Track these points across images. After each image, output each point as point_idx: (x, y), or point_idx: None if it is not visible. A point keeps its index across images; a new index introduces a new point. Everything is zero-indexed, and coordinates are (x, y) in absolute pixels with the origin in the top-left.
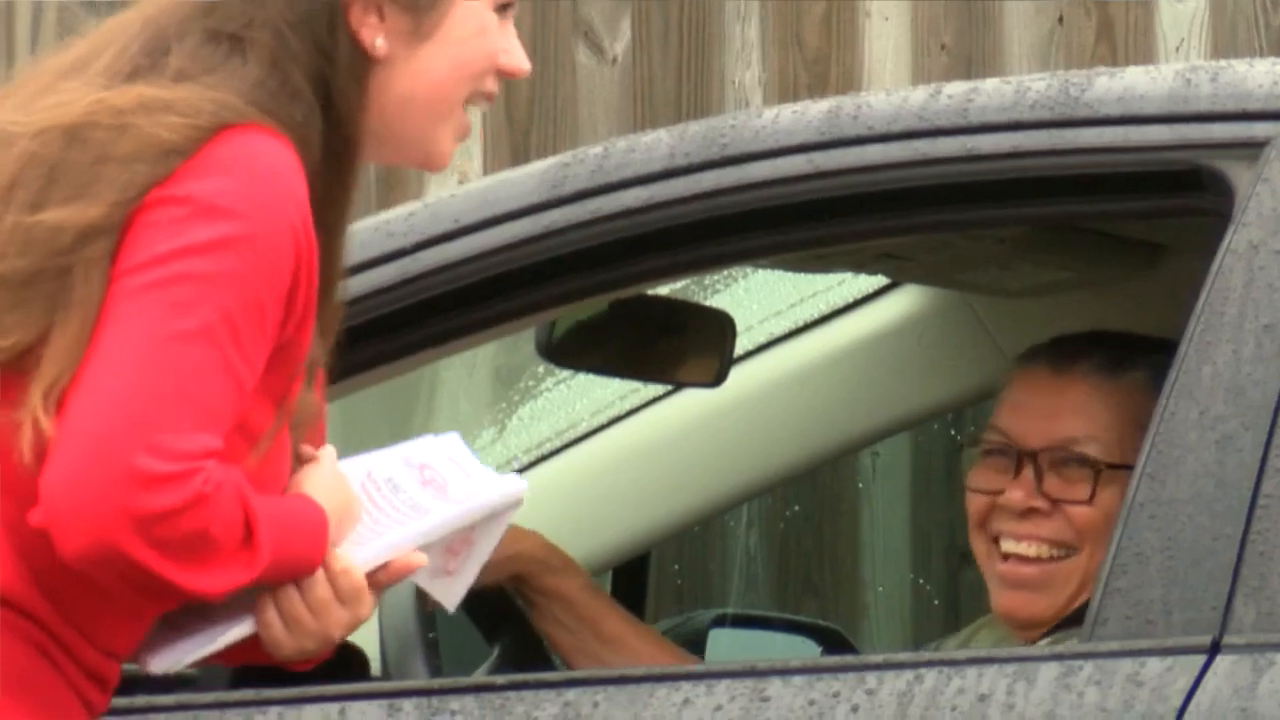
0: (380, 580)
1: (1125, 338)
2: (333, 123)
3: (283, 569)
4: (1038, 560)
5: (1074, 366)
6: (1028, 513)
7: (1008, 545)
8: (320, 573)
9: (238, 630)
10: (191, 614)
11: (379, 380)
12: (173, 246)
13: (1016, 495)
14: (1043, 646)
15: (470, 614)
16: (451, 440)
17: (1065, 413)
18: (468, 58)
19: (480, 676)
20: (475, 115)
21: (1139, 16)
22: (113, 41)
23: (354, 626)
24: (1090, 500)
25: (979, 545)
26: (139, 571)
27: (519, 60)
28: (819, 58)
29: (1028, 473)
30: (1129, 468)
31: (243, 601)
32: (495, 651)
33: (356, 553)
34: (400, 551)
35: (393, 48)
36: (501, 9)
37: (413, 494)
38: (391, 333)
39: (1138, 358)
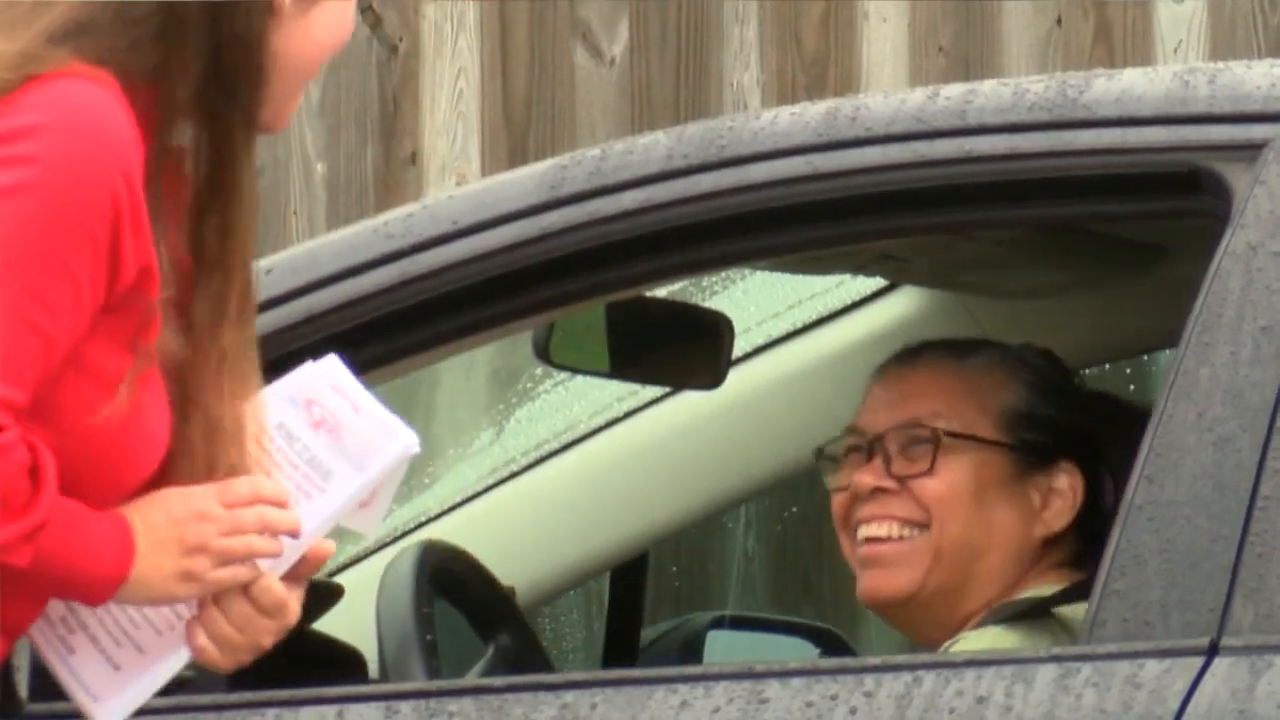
0: (301, 574)
1: (970, 340)
2: (220, 72)
3: (58, 556)
4: (889, 540)
5: (919, 356)
6: (876, 493)
7: (864, 530)
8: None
9: (174, 661)
10: (128, 649)
11: (377, 383)
12: None
13: (866, 479)
14: (1042, 649)
15: (469, 618)
16: (331, 364)
17: (911, 396)
18: (343, 23)
19: (478, 679)
20: (474, 117)
21: (1137, 18)
22: None
23: (285, 630)
24: (931, 469)
25: (844, 542)
26: None
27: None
28: (817, 59)
29: (877, 459)
30: (972, 438)
31: (174, 632)
32: (490, 651)
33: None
34: (314, 539)
35: (294, 3)
36: None
37: (308, 442)
38: (389, 335)
39: (981, 346)
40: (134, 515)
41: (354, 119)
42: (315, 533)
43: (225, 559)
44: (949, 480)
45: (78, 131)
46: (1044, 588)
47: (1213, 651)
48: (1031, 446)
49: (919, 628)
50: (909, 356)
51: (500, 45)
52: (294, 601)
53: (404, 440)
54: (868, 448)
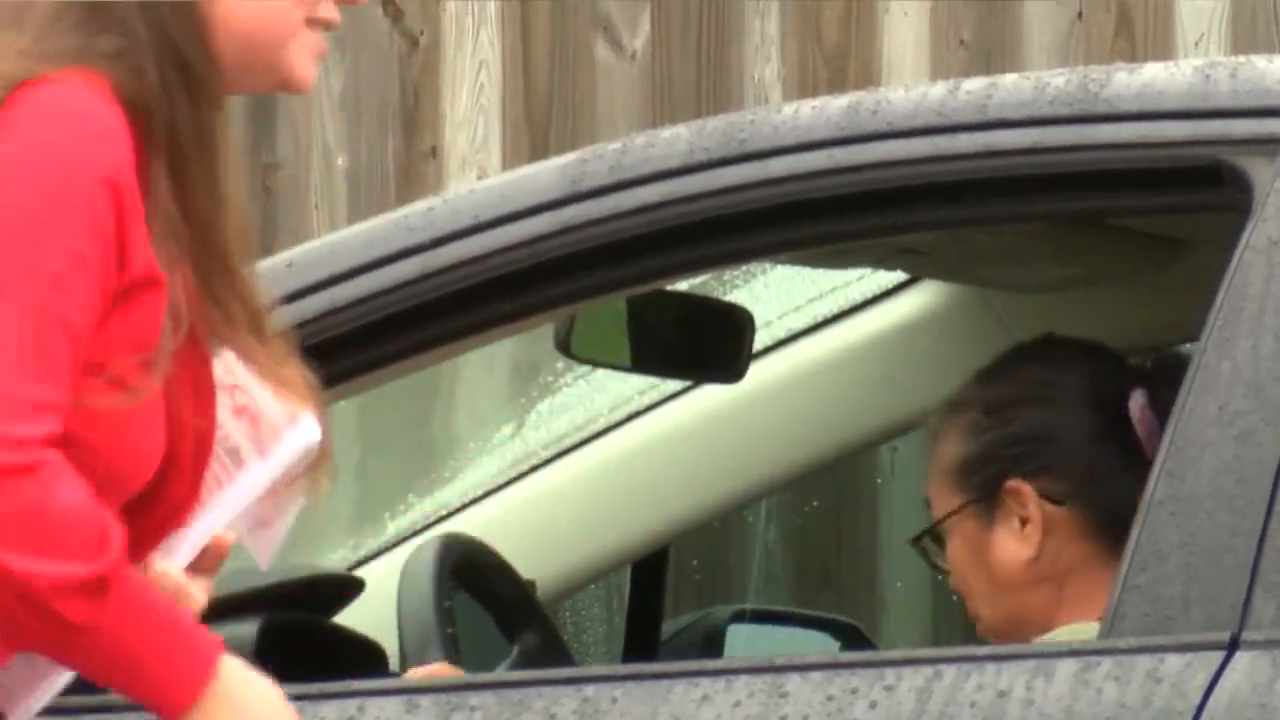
0: (204, 567)
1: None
2: (167, 55)
3: (125, 639)
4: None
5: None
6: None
7: None
8: None
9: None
10: (19, 664)
11: (398, 375)
12: None
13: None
14: (1060, 643)
15: (490, 611)
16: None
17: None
18: None
19: (499, 673)
20: (495, 111)
21: (1158, 11)
22: None
23: None
24: (944, 566)
25: None
26: None
27: None
28: (838, 53)
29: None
30: (945, 518)
31: None
32: (515, 650)
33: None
34: (218, 530)
35: None
36: None
37: (230, 429)
38: (410, 328)
39: (957, 395)
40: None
41: (375, 112)
42: (220, 523)
43: None
44: (955, 565)
45: (69, 120)
46: (1083, 616)
47: (1234, 646)
48: (984, 485)
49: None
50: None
51: (521, 39)
52: (197, 592)
53: (307, 429)
54: None
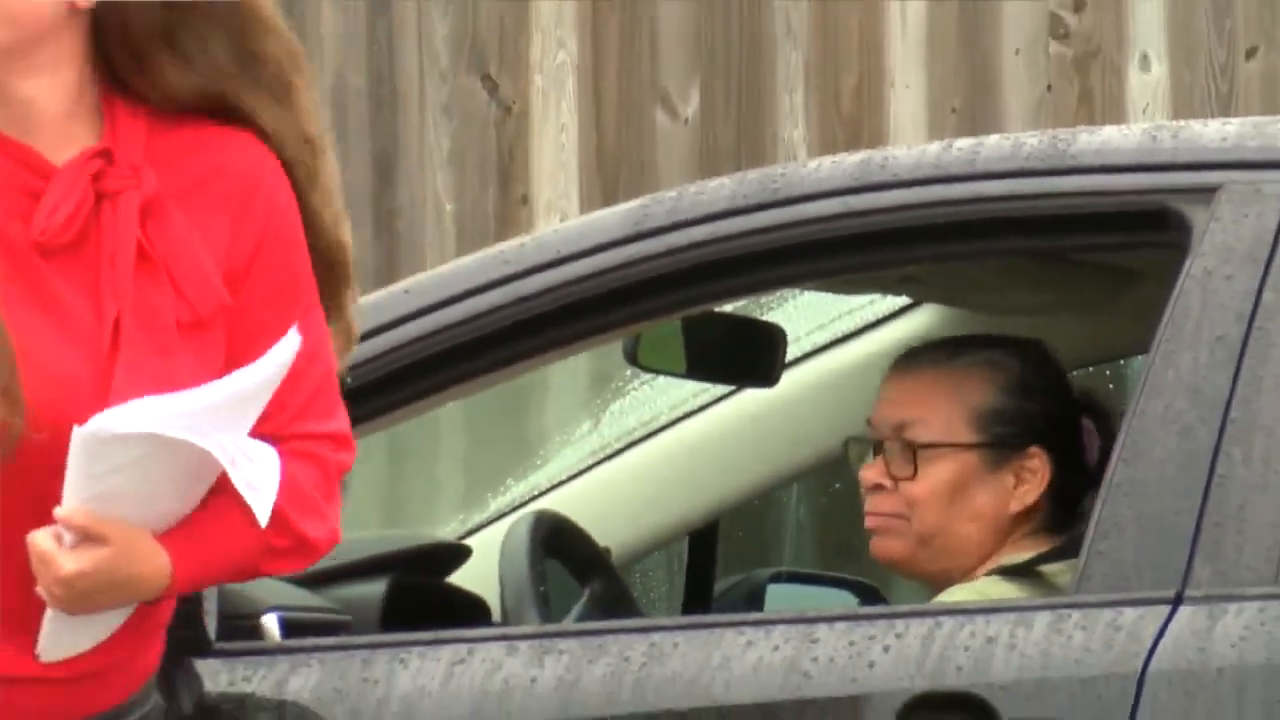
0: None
1: (968, 337)
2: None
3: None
4: (882, 522)
5: (917, 359)
6: (876, 487)
7: (867, 512)
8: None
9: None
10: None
11: (496, 383)
12: None
13: (869, 475)
14: (1038, 599)
15: (571, 571)
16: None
17: (906, 401)
18: None
19: (581, 623)
20: (574, 166)
21: (1112, 85)
22: None
23: (55, 580)
24: (914, 475)
25: None
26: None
27: None
28: (853, 119)
29: (880, 459)
30: (950, 445)
31: None
32: (586, 593)
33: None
34: (183, 406)
35: None
36: None
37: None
38: (505, 344)
39: (968, 348)
40: None
41: (477, 168)
42: (185, 404)
43: None
44: (930, 483)
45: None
46: (1021, 553)
47: (1178, 601)
48: (1005, 438)
49: (920, 580)
50: (909, 359)
51: (595, 107)
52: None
53: (288, 343)
54: (875, 446)
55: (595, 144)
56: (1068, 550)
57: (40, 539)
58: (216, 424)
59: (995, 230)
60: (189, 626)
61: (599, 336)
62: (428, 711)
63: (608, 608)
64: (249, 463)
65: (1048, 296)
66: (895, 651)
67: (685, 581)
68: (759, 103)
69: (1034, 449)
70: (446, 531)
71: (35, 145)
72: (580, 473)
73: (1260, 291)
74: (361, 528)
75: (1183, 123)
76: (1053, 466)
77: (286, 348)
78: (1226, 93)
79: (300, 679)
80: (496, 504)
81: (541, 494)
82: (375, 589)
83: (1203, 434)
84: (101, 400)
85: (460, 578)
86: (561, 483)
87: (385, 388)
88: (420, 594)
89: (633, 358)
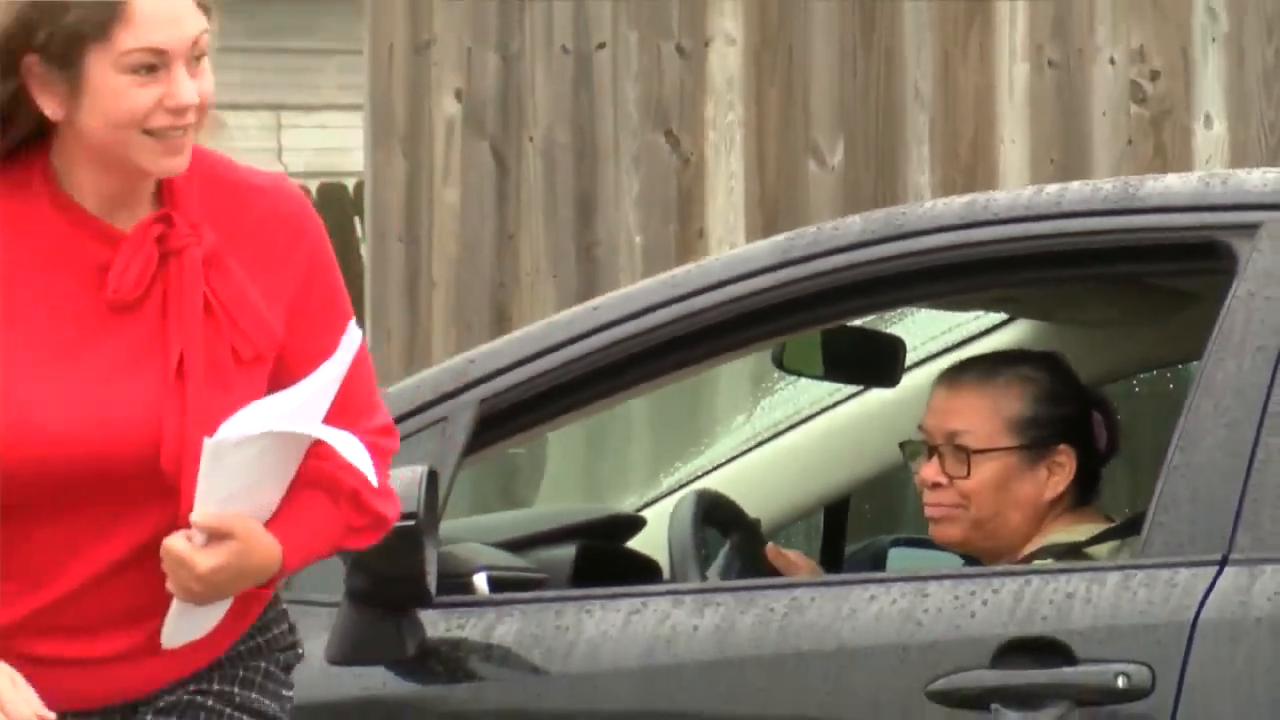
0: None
1: (1000, 354)
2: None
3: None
4: (941, 512)
5: (961, 376)
6: (935, 485)
7: (927, 505)
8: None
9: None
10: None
11: (670, 384)
12: None
13: (928, 475)
14: (1107, 560)
15: (726, 537)
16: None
17: (954, 412)
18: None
19: (736, 580)
20: (740, 206)
21: (1181, 140)
22: None
23: (192, 578)
24: (967, 474)
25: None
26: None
27: (178, 98)
28: (969, 168)
29: (935, 460)
30: (999, 449)
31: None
32: (726, 545)
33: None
34: (277, 410)
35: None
36: (136, 70)
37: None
38: (675, 352)
39: (1004, 364)
40: None
41: (660, 208)
42: (279, 408)
43: None
44: (980, 480)
45: None
46: (1061, 533)
47: (1224, 564)
48: (1039, 440)
49: (975, 556)
50: (955, 374)
51: (757, 158)
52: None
53: (352, 336)
54: (929, 450)
55: (758, 188)
56: (1103, 536)
57: (175, 543)
58: (311, 415)
59: (1076, 259)
60: (414, 585)
61: (751, 346)
62: (608, 653)
63: (755, 569)
64: (343, 443)
65: (1119, 313)
66: (992, 604)
67: (821, 546)
68: (893, 154)
69: (1062, 446)
70: (626, 505)
71: (108, 217)
72: (735, 457)
73: None
74: (560, 501)
75: (1231, 171)
76: (1076, 458)
77: (352, 344)
78: (1275, 146)
79: (504, 626)
80: (666, 482)
81: (703, 475)
82: (567, 552)
83: (1245, 427)
84: (176, 428)
85: (636, 543)
86: (720, 465)
87: (577, 387)
88: (603, 556)
89: (779, 363)
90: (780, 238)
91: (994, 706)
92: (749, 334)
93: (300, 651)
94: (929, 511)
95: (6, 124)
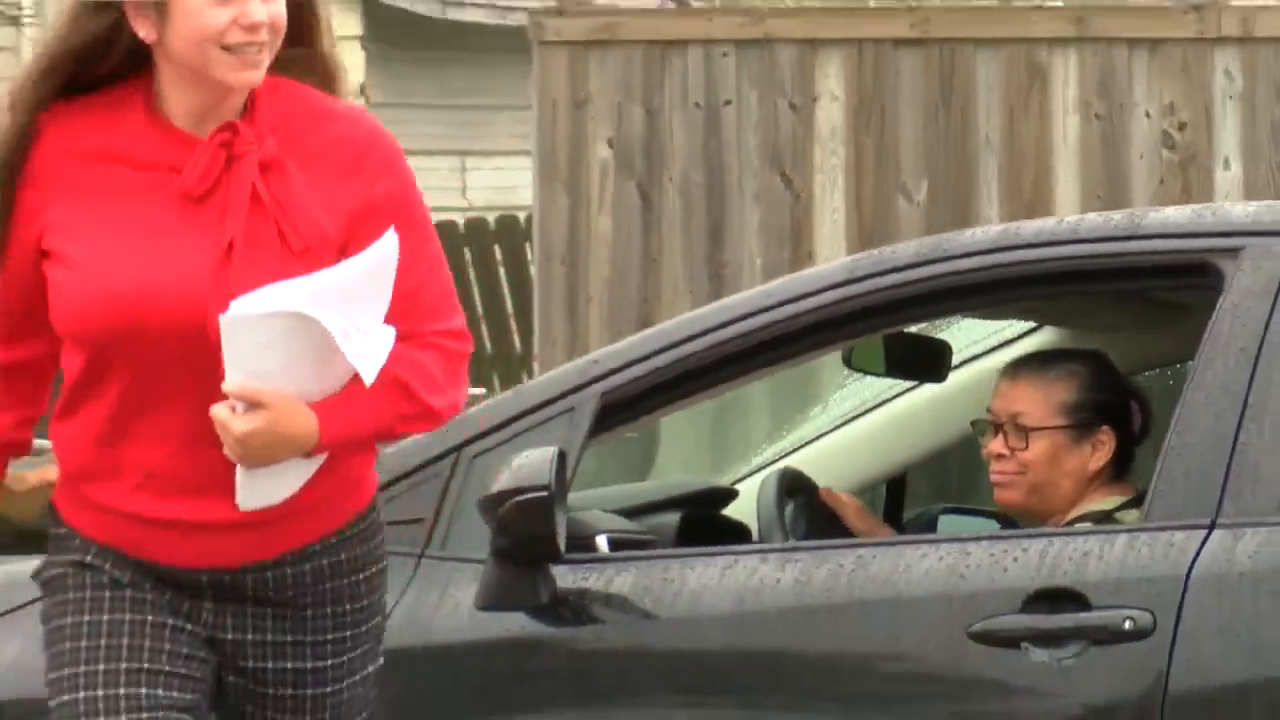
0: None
1: (1054, 351)
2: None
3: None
4: (1004, 478)
5: (1020, 368)
6: (999, 456)
7: (993, 473)
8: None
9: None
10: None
11: (763, 377)
12: None
13: (994, 448)
14: (1118, 525)
15: (804, 507)
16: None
17: (1015, 397)
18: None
19: (812, 541)
20: (841, 234)
21: (1204, 180)
22: None
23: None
24: (1026, 447)
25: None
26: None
27: (250, 16)
28: (1029, 204)
29: (1000, 436)
30: (1048, 428)
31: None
32: (789, 506)
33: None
34: (296, 292)
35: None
36: None
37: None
38: (763, 353)
39: (1056, 359)
40: None
41: (776, 235)
42: (297, 291)
43: None
44: (1035, 452)
45: None
46: (1100, 502)
47: (1212, 528)
48: (1085, 422)
49: (1029, 516)
50: (1016, 367)
51: (856, 195)
52: (236, 424)
53: (387, 241)
54: (994, 428)
55: (857, 220)
56: (1130, 504)
57: (219, 410)
58: (329, 304)
59: (1091, 277)
60: (547, 544)
61: (825, 348)
62: (707, 601)
63: (827, 533)
64: (363, 337)
65: (1126, 321)
66: (1022, 560)
67: (883, 513)
68: (967, 192)
69: (1104, 427)
70: (722, 479)
71: (194, 129)
72: (812, 440)
73: (1270, 319)
74: (668, 477)
75: (1220, 204)
76: (1115, 438)
77: (382, 247)
78: None
79: (622, 579)
80: (755, 461)
81: (785, 455)
82: (673, 518)
83: (1230, 415)
84: (216, 302)
85: (730, 511)
86: (799, 447)
87: (682, 382)
88: (703, 522)
89: (848, 362)
90: (848, 259)
91: (1023, 645)
92: (822, 338)
93: (384, 565)
94: (994, 478)
95: (111, 48)
